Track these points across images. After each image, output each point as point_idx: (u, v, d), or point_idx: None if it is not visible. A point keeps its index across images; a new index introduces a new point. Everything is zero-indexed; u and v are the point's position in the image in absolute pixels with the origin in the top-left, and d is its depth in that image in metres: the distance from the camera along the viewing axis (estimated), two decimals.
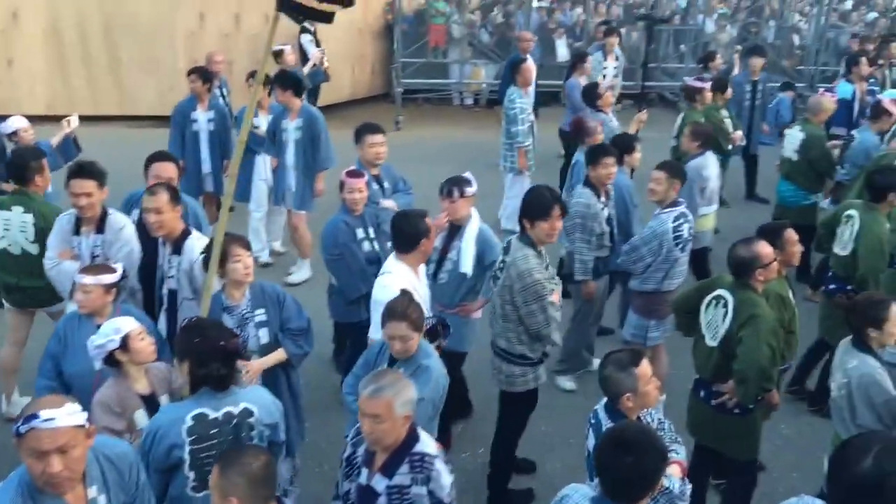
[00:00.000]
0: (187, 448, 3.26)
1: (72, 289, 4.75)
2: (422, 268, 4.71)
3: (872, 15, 15.50)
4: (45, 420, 2.57)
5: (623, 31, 13.96)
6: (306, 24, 11.78)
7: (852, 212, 5.75)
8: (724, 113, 8.25)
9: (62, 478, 2.63)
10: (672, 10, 15.11)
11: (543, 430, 5.45)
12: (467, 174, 5.18)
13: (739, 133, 8.38)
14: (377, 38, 14.03)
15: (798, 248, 4.79)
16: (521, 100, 8.27)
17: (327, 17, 3.60)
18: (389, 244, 5.56)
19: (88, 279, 3.99)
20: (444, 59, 13.93)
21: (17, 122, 6.66)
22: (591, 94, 7.87)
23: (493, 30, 14.39)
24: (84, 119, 6.86)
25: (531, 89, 9.97)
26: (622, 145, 6.26)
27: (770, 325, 4.29)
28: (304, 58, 11.19)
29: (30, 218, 5.14)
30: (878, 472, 2.36)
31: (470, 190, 5.04)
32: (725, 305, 4.36)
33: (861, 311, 4.13)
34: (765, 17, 14.79)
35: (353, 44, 13.46)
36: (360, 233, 5.45)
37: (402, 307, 3.77)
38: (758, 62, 9.37)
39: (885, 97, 7.62)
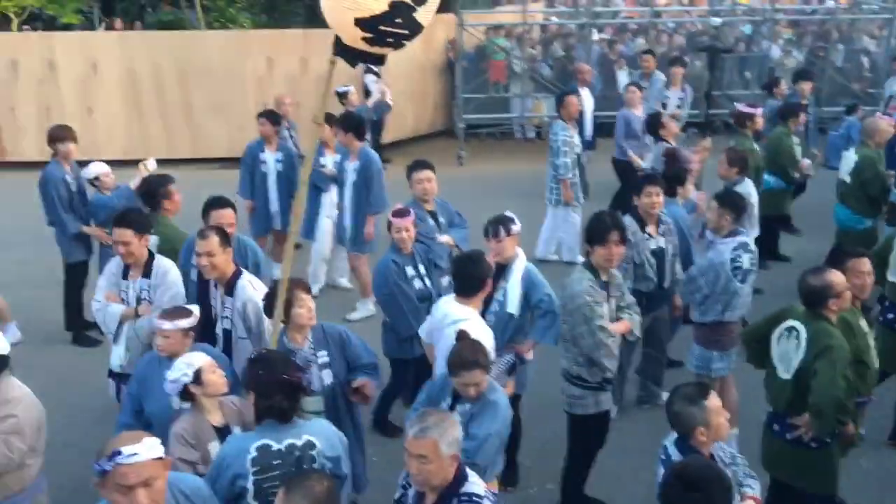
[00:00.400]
0: (251, 478, 3.33)
1: (116, 332, 4.94)
2: None
3: None
4: (129, 455, 2.68)
5: (687, 59, 13.93)
6: (370, 65, 12.08)
7: None
8: (795, 140, 8.09)
9: None
10: (736, 36, 14.96)
11: (612, 465, 5.37)
12: (509, 212, 5.16)
13: (808, 161, 8.20)
14: (439, 75, 14.24)
15: (869, 278, 4.66)
16: (565, 132, 8.35)
17: (379, 60, 3.71)
18: (446, 280, 5.60)
19: (167, 324, 4.10)
20: (506, 93, 14.05)
21: (98, 168, 6.99)
22: (654, 124, 7.84)
23: (553, 63, 14.46)
24: (159, 162, 7.13)
25: (588, 120, 10.00)
26: (674, 178, 6.19)
27: (846, 356, 4.18)
28: (368, 97, 11.44)
29: (155, 239, 5.38)
30: None
31: (515, 228, 5.01)
32: (798, 336, 4.26)
33: None
34: (833, 41, 14.49)
35: (416, 81, 13.70)
36: (410, 271, 5.49)
37: (472, 355, 3.80)
38: (806, 86, 9.20)
39: None
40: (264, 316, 4.55)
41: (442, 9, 14.59)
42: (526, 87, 13.88)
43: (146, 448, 2.72)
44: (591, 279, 4.61)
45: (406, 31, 3.51)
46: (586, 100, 10.31)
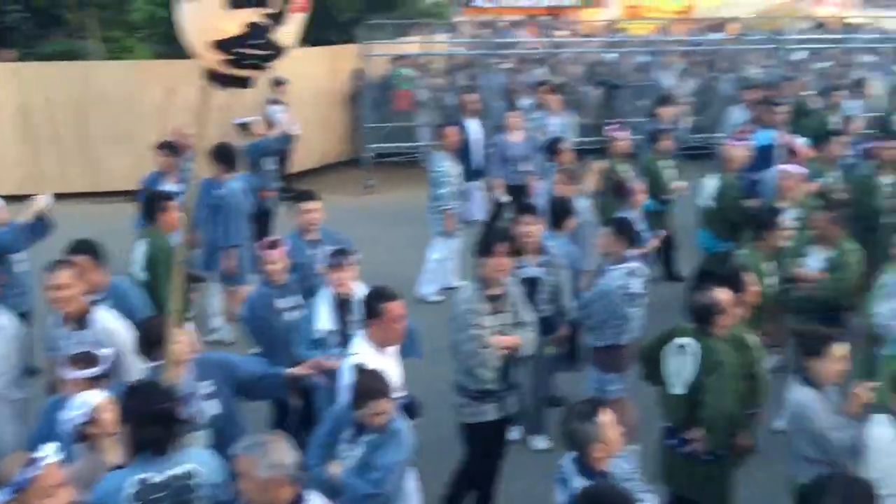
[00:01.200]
0: None
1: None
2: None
3: (825, 64, 15.97)
4: (46, 457, 2.86)
5: (585, 89, 14.36)
6: (276, 96, 12.01)
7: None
8: (663, 164, 8.34)
9: None
10: (632, 66, 15.52)
11: (521, 488, 5.44)
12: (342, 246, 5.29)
13: (681, 183, 8.30)
14: (345, 105, 14.26)
15: (757, 290, 4.91)
16: (445, 163, 8.36)
17: (243, 83, 3.63)
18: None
19: (73, 373, 4.00)
20: (412, 122, 14.16)
21: None
22: (551, 149, 8.03)
23: (459, 92, 14.66)
24: (55, 196, 6.89)
25: (476, 150, 10.09)
26: (558, 210, 6.19)
27: (735, 371, 4.37)
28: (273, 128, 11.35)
29: (143, 249, 5.96)
30: None
31: (354, 257, 5.09)
32: (688, 353, 4.44)
33: (803, 343, 4.20)
34: (721, 70, 15.21)
35: (322, 110, 13.70)
36: (281, 303, 5.44)
37: (378, 384, 3.82)
38: (666, 111, 9.49)
39: (798, 142, 7.84)
40: (126, 351, 4.48)
41: (346, 39, 14.60)
42: (432, 116, 14.02)
43: (54, 452, 2.87)
44: (477, 289, 4.73)
45: (266, 52, 3.47)
46: (473, 129, 10.41)
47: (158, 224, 6.28)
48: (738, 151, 7.70)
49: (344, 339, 4.91)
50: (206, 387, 4.20)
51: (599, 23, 21.95)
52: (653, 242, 6.84)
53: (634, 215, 6.83)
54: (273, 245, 5.50)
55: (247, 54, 3.44)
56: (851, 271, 5.92)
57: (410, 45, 15.47)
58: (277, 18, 3.42)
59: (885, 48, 16.21)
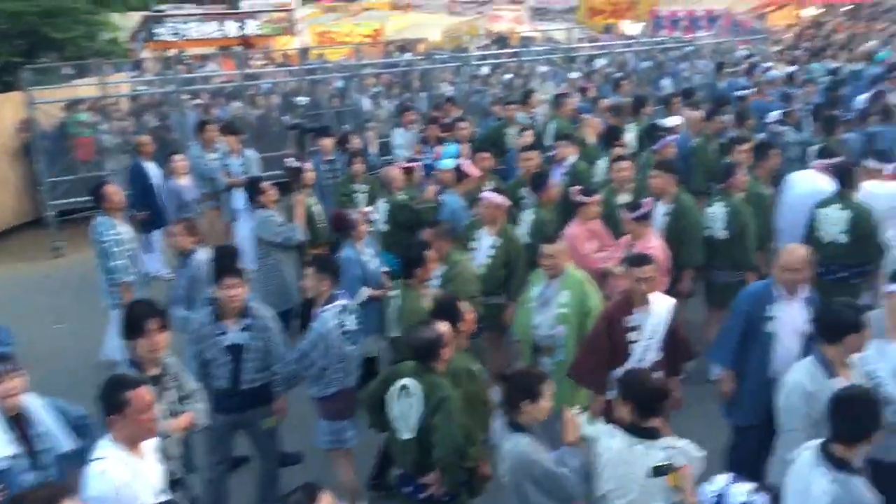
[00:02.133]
0: None
1: None
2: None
3: (508, 76, 17.01)
4: None
5: (284, 119, 14.01)
6: None
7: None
8: (355, 187, 8.23)
9: None
10: (331, 92, 15.44)
11: None
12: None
13: (366, 209, 7.55)
14: (15, 160, 12.63)
15: (472, 318, 4.82)
16: (112, 230, 6.94)
17: None
18: None
19: None
20: (100, 171, 12.88)
21: None
22: (254, 191, 7.50)
23: (148, 133, 13.65)
24: None
25: (159, 193, 9.25)
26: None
27: (459, 405, 4.22)
28: None
29: None
30: None
31: (15, 366, 4.07)
32: (411, 394, 4.21)
33: (516, 386, 3.88)
34: (415, 90, 15.61)
35: None
36: None
37: (49, 490, 3.18)
38: (327, 142, 9.27)
39: (464, 162, 7.75)
40: None
41: (7, 87, 12.94)
42: (122, 162, 12.85)
43: None
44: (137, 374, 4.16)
45: None
46: (152, 172, 9.61)
47: None
48: (397, 172, 7.78)
49: (34, 460, 4.01)
50: None
51: (293, 51, 21.75)
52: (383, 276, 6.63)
53: (359, 249, 6.55)
54: None
55: None
56: (461, 282, 5.84)
57: (86, 87, 14.07)
58: None
59: (556, 58, 17.67)
